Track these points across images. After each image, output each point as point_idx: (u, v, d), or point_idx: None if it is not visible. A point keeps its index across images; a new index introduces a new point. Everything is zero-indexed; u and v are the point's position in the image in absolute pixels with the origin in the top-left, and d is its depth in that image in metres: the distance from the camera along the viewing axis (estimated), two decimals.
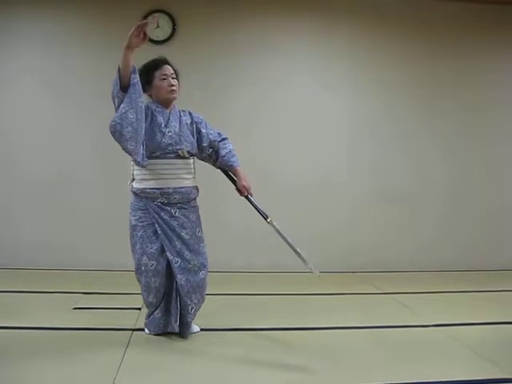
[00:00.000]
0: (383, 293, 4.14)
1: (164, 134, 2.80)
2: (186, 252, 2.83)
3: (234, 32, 4.86)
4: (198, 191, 2.97)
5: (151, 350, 2.70)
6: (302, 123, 4.95)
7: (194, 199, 2.95)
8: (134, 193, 2.87)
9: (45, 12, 4.68)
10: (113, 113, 2.68)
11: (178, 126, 2.87)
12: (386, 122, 5.09)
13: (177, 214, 2.83)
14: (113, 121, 2.62)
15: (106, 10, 4.67)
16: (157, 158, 2.79)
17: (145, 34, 2.58)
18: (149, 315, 2.93)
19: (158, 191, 2.79)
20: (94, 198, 4.70)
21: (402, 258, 5.03)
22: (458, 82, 5.12)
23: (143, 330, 2.95)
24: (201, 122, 2.99)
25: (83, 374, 2.37)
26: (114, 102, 2.69)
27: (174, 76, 2.88)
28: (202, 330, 3.01)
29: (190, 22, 4.75)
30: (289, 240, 2.87)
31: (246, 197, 2.98)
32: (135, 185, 2.85)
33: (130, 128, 2.61)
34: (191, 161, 2.93)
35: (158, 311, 2.88)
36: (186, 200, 2.88)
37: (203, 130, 2.97)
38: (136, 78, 2.64)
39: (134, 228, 2.84)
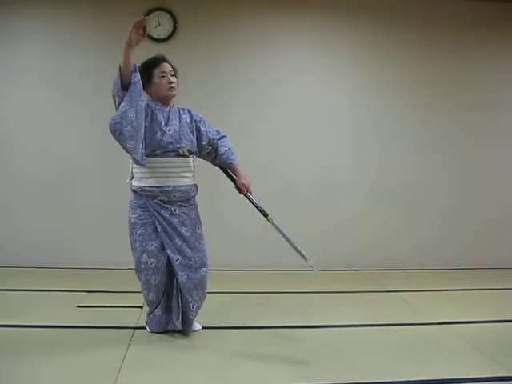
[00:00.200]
0: (386, 291, 4.13)
1: (164, 132, 2.80)
2: (187, 249, 2.83)
3: (234, 30, 4.85)
4: (197, 189, 2.97)
5: (153, 348, 2.70)
6: (303, 122, 4.95)
7: (193, 197, 2.95)
8: (134, 191, 2.86)
9: (45, 10, 4.67)
10: (113, 112, 2.68)
11: (178, 124, 2.87)
12: (386, 122, 5.07)
13: (177, 212, 2.83)
14: (113, 120, 2.62)
15: (106, 8, 4.67)
16: (157, 156, 2.79)
17: (144, 29, 2.57)
18: (149, 313, 2.93)
19: (157, 189, 2.79)
20: (95, 197, 4.69)
21: (403, 256, 5.02)
22: (459, 80, 5.10)
23: (145, 328, 2.95)
24: (200, 120, 3.00)
25: (85, 372, 2.37)
26: (115, 101, 2.69)
27: (173, 73, 2.88)
28: (203, 328, 3.00)
29: (191, 20, 4.74)
30: (289, 237, 2.87)
31: (246, 195, 2.98)
32: (134, 183, 2.85)
33: (129, 127, 2.61)
34: (191, 159, 2.93)
35: (158, 309, 2.88)
36: (186, 198, 2.88)
37: (202, 128, 2.97)
38: (137, 77, 2.65)
39: (133, 226, 2.84)
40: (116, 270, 4.37)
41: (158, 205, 2.81)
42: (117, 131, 2.61)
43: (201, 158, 3.07)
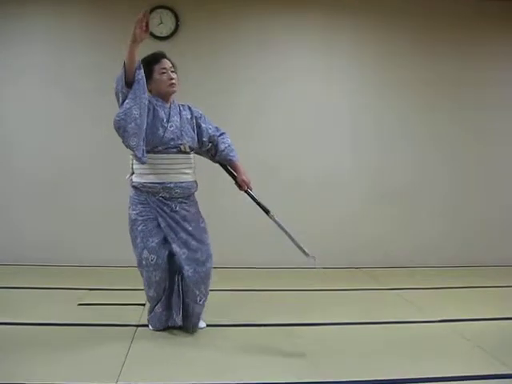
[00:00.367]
0: (387, 288, 4.12)
1: (166, 128, 2.80)
2: (193, 242, 2.83)
3: (236, 29, 4.85)
4: (196, 186, 2.97)
5: (156, 345, 2.69)
6: (304, 122, 4.94)
7: (193, 194, 2.96)
8: (135, 187, 2.85)
9: (46, 8, 4.66)
10: (114, 110, 2.67)
11: (179, 120, 2.87)
12: (387, 121, 5.07)
13: (178, 209, 2.83)
14: (117, 116, 2.63)
15: (107, 6, 4.66)
16: (158, 152, 2.78)
17: (147, 24, 2.57)
18: (150, 310, 2.92)
19: (159, 186, 2.79)
20: (95, 196, 4.68)
21: (404, 255, 5.01)
22: (460, 80, 5.09)
23: (147, 325, 2.94)
24: (200, 117, 3.00)
25: (88, 370, 2.36)
26: (118, 98, 2.68)
27: (173, 69, 2.88)
28: (206, 325, 2.99)
29: (193, 18, 4.73)
30: (290, 233, 2.86)
31: (246, 191, 2.98)
32: (135, 179, 2.84)
33: (133, 124, 2.61)
34: (191, 155, 2.93)
35: (159, 305, 2.87)
36: (187, 194, 2.88)
37: (203, 125, 2.98)
38: (141, 74, 2.64)
39: (134, 222, 2.83)
40: (116, 267, 4.37)
41: (160, 201, 2.80)
42: (121, 128, 2.61)
43: (200, 154, 3.06)
